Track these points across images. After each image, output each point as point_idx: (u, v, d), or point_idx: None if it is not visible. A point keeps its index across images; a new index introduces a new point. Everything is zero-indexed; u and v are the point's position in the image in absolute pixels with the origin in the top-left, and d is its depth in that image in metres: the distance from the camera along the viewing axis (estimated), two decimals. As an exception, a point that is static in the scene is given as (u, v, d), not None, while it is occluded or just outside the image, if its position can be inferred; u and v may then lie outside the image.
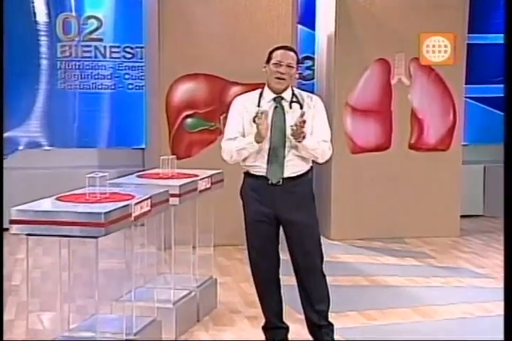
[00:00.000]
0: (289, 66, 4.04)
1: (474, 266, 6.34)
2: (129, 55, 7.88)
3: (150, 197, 3.90)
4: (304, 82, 7.73)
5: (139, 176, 4.80)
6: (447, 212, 7.51)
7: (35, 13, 7.59)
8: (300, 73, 7.73)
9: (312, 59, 7.89)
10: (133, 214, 3.68)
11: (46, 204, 3.67)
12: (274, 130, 4.02)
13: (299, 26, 7.50)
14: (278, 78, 4.04)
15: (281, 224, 4.11)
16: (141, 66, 7.85)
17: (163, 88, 6.86)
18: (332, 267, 4.27)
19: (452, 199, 7.55)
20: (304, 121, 3.90)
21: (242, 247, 6.74)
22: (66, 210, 3.50)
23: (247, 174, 4.15)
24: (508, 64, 3.31)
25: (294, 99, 4.09)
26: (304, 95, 4.16)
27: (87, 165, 7.61)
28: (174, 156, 4.98)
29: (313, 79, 7.89)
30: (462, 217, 7.69)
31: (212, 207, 5.06)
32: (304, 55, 7.81)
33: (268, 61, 4.09)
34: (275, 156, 4.02)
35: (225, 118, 6.92)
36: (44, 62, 7.70)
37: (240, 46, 6.88)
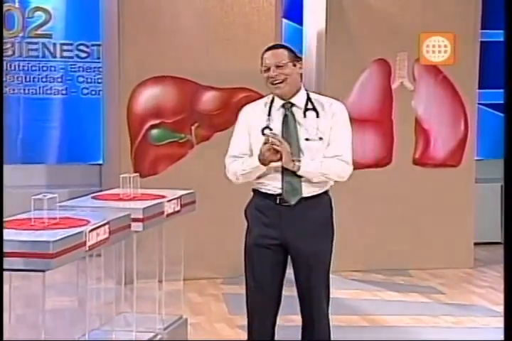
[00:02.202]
0: (278, 66, 4.04)
1: (491, 302, 6.35)
2: (84, 54, 7.88)
3: (108, 223, 3.88)
4: (290, 86, 7.76)
5: (95, 198, 4.79)
6: (459, 239, 7.54)
7: (-29, 5, 7.59)
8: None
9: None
10: (87, 243, 3.66)
11: (-17, 232, 3.64)
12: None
13: (284, 21, 7.55)
14: (271, 83, 4.05)
15: (289, 252, 4.09)
16: (98, 67, 7.85)
17: (123, 93, 6.86)
18: (324, 304, 4.29)
19: (464, 224, 7.57)
20: (269, 149, 3.88)
21: (218, 281, 6.84)
22: (7, 239, 3.46)
23: (256, 191, 4.14)
24: (508, 68, 3.33)
25: (310, 106, 4.08)
26: (323, 100, 4.16)
27: (34, 185, 7.58)
28: (137, 174, 4.97)
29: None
30: (476, 244, 7.72)
31: (182, 233, 5.04)
32: (290, 54, 7.86)
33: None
34: (290, 174, 3.99)
35: (197, 128, 7.10)
36: (-18, 63, 7.69)
37: (215, 45, 6.90)
